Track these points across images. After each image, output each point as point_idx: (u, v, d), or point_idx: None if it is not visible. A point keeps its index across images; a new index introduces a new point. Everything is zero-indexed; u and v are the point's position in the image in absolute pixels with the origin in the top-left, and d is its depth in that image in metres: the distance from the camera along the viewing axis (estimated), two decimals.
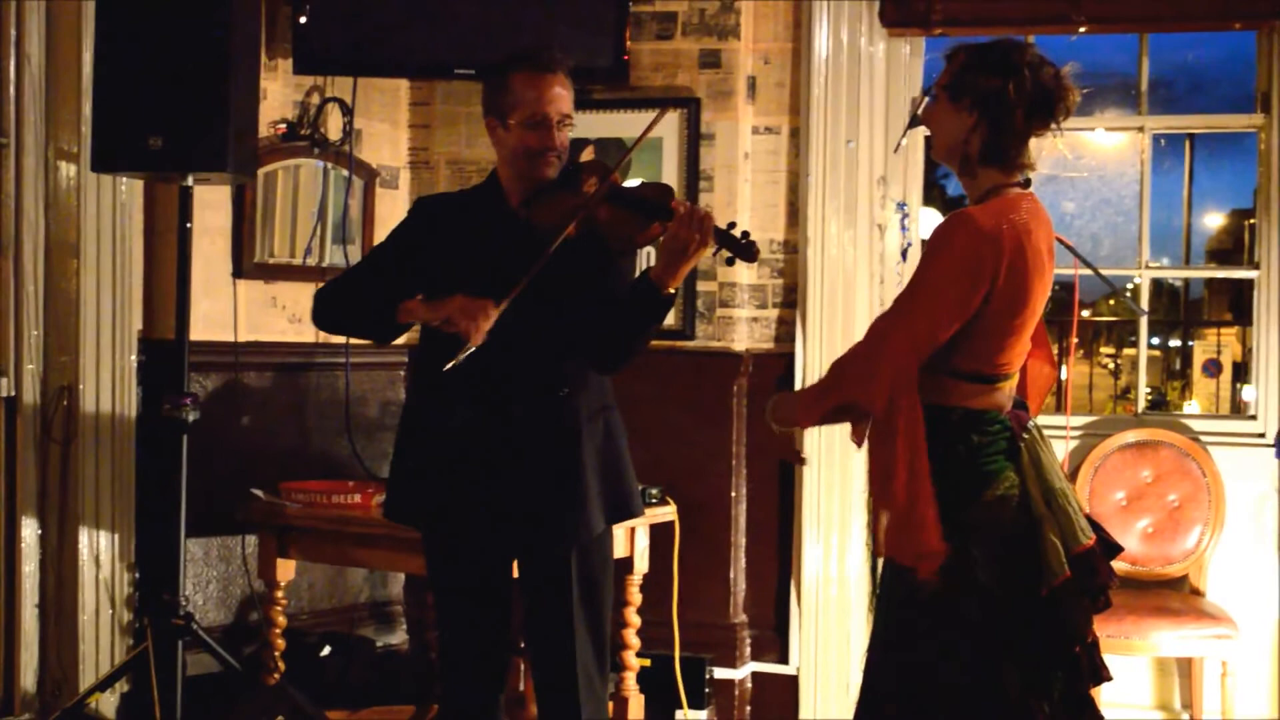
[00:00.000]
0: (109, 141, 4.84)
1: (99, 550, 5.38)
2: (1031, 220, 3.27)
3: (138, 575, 5.50)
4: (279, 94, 5.98)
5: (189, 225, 5.00)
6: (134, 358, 5.47)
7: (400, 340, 6.25)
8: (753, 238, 3.67)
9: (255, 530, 5.56)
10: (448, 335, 3.68)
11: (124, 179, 5.36)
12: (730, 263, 3.67)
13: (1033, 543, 3.25)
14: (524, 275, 3.66)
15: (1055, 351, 3.65)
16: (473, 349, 3.63)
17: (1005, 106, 3.26)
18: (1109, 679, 3.37)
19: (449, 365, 3.62)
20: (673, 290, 3.67)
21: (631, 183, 3.83)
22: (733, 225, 3.66)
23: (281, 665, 5.38)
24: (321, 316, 3.99)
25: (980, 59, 3.31)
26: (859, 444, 3.41)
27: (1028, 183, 3.38)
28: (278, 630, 5.41)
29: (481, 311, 3.64)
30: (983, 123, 3.29)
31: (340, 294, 3.96)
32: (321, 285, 4.02)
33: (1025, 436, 3.33)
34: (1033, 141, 3.34)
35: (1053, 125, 3.32)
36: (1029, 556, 3.25)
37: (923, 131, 5.58)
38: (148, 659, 4.93)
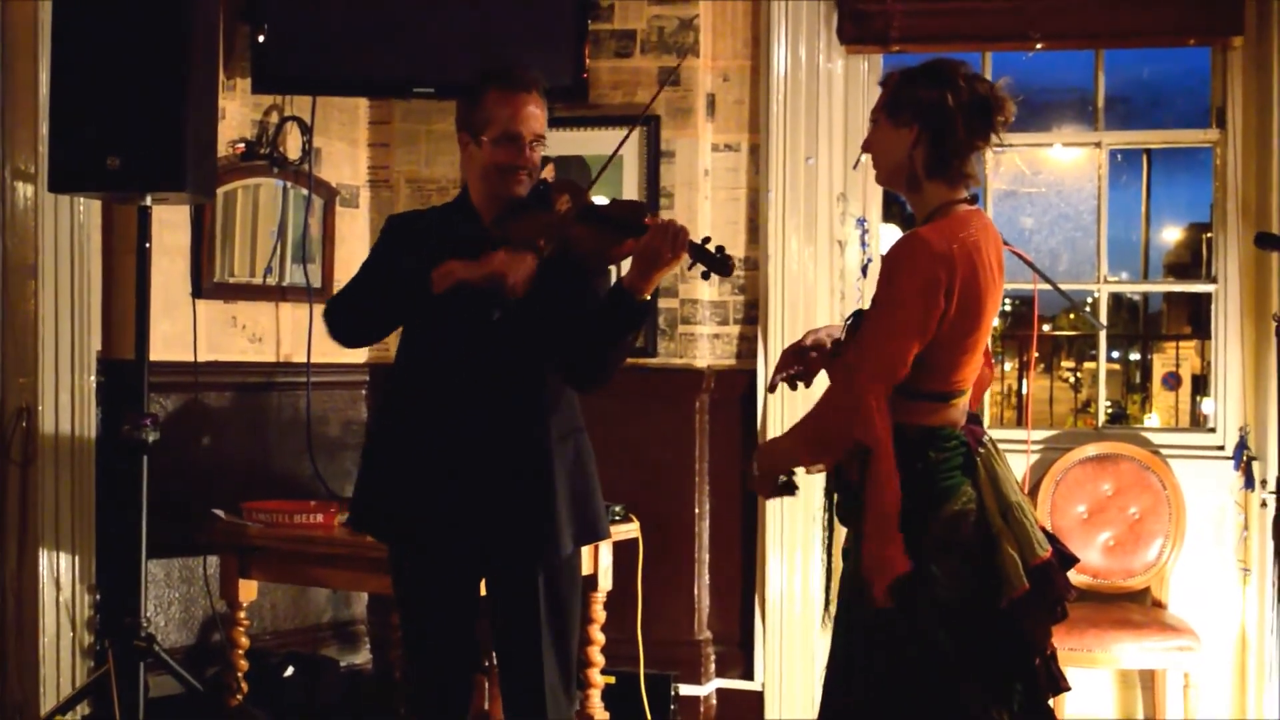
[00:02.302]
0: (66, 162, 4.82)
1: (59, 572, 5.34)
2: (981, 236, 3.28)
3: (98, 597, 5.46)
4: (237, 113, 5.97)
5: (148, 245, 4.98)
6: (93, 378, 5.44)
7: (360, 358, 6.30)
8: (728, 252, 3.68)
9: (217, 551, 5.54)
10: (434, 342, 3.72)
11: (82, 199, 5.33)
12: (706, 276, 3.70)
13: (991, 556, 3.26)
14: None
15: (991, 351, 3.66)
16: (511, 300, 3.66)
17: (945, 116, 3.27)
18: (1067, 689, 3.39)
19: (497, 315, 3.68)
20: (646, 298, 3.69)
21: (603, 200, 3.84)
22: (707, 240, 3.67)
23: (244, 686, 5.36)
24: (340, 324, 3.92)
25: (915, 76, 3.34)
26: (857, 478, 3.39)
27: (974, 198, 3.40)
28: (240, 651, 5.39)
29: (525, 263, 3.66)
30: (925, 135, 3.30)
31: (356, 295, 3.93)
32: (325, 305, 3.98)
33: (981, 451, 3.34)
34: (988, 155, 3.37)
35: (993, 137, 3.34)
36: (987, 570, 3.26)
37: None
38: (109, 681, 4.90)
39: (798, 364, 3.62)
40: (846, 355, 3.37)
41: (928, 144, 3.30)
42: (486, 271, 3.67)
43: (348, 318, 3.93)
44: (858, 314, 3.47)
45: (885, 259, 3.30)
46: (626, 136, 3.91)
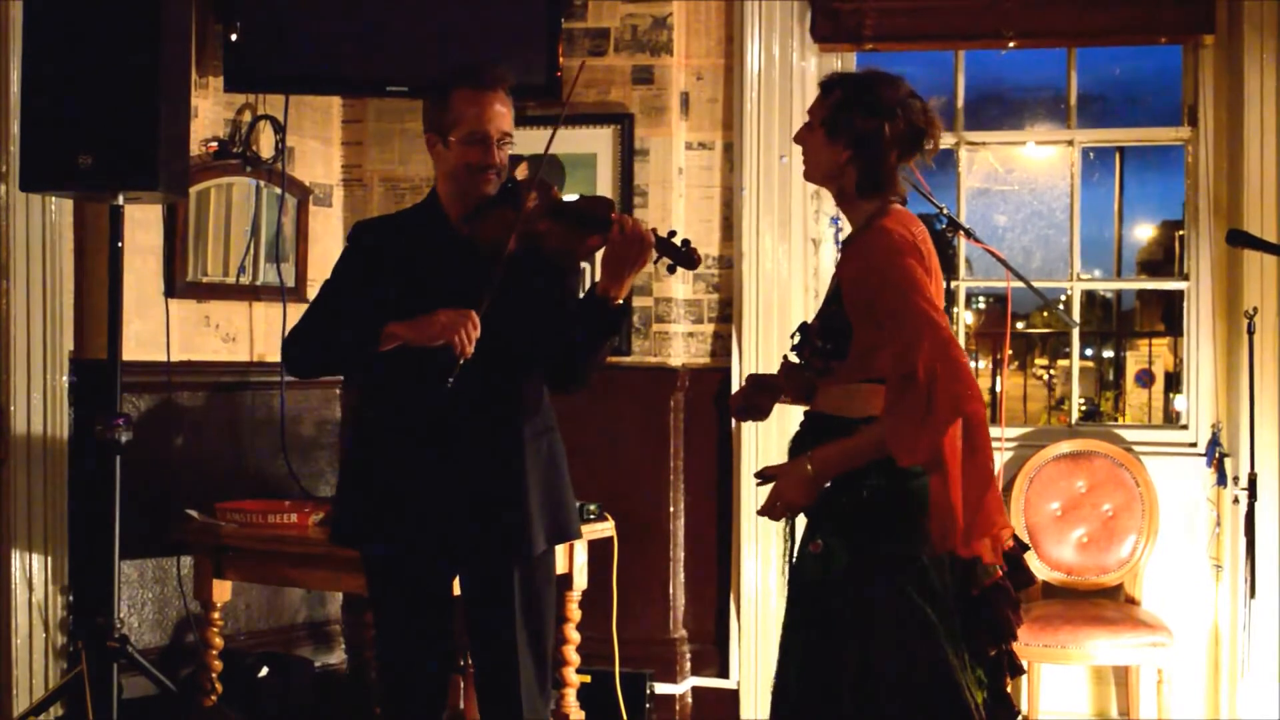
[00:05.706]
0: (38, 160, 4.79)
1: (32, 573, 5.32)
2: (922, 226, 3.41)
3: (71, 598, 5.44)
4: (210, 112, 5.95)
5: (120, 244, 4.95)
6: (65, 378, 5.42)
7: None
8: (693, 245, 3.69)
9: (191, 551, 5.52)
10: (414, 356, 3.68)
11: (54, 198, 5.31)
12: (671, 270, 3.70)
13: None
14: (476, 289, 3.67)
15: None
16: (464, 361, 3.63)
17: (880, 146, 3.39)
18: (1024, 671, 3.43)
19: (450, 380, 3.61)
20: (620, 302, 3.70)
21: (571, 197, 3.85)
22: (673, 234, 3.69)
23: (219, 687, 5.34)
24: (298, 364, 3.94)
25: (857, 98, 3.41)
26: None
27: (903, 200, 3.51)
28: (214, 651, 5.37)
29: (469, 322, 3.64)
30: (857, 159, 3.41)
31: (311, 337, 3.91)
32: (285, 336, 3.97)
33: None
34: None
35: (918, 156, 3.47)
36: (966, 559, 3.28)
37: None
38: (82, 682, 4.87)
39: (749, 403, 3.76)
40: (910, 363, 3.27)
41: (859, 167, 3.41)
42: (429, 333, 3.67)
43: (305, 363, 3.96)
44: (804, 326, 3.55)
45: (863, 253, 3.35)
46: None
